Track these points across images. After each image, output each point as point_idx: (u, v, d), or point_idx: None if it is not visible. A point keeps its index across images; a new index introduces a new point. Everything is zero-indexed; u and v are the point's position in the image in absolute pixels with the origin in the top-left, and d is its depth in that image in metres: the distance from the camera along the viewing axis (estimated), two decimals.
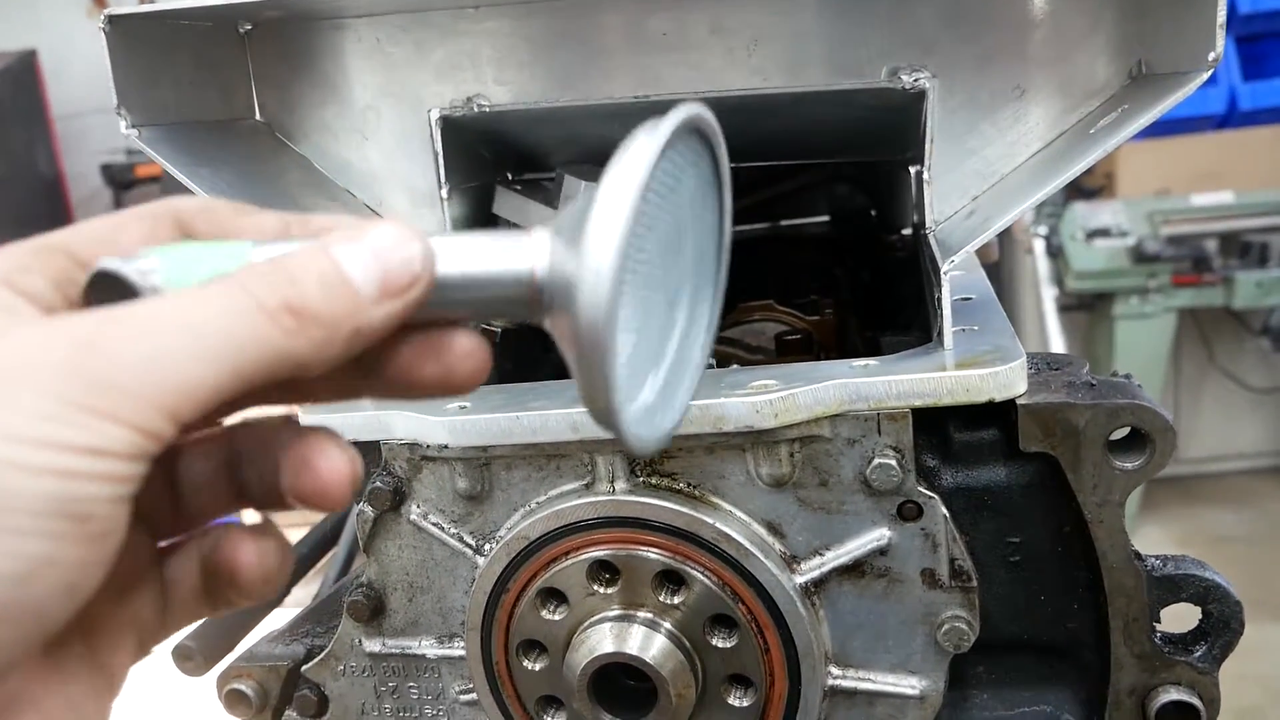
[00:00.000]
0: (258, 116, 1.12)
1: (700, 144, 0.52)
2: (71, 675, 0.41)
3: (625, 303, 0.45)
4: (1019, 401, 0.76)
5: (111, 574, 0.38)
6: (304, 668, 1.00)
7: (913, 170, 0.96)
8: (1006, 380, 0.75)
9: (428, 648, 0.94)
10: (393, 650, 0.95)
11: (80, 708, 0.41)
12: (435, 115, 1.02)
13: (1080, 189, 4.94)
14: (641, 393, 0.51)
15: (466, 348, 0.46)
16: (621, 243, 0.41)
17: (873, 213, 1.63)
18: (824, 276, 1.45)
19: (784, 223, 1.66)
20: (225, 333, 0.38)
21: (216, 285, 0.39)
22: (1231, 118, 4.80)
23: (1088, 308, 4.93)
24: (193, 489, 0.47)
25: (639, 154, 0.44)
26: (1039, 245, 4.81)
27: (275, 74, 1.08)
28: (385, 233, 0.43)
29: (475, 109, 1.03)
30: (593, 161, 1.16)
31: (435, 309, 0.45)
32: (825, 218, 1.66)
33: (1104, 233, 4.64)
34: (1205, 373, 5.18)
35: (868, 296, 1.40)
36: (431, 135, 1.02)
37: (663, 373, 0.54)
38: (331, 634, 0.98)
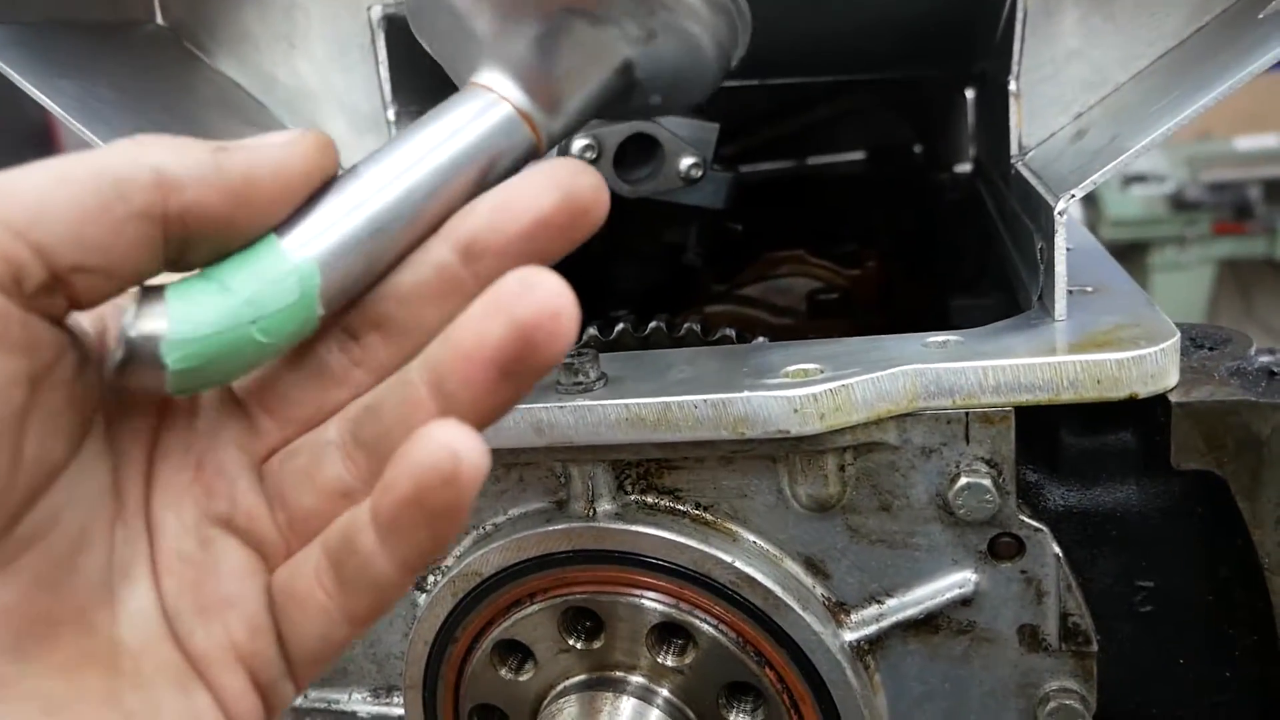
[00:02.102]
0: (159, 20, 0.88)
1: None
2: None
3: None
4: (1173, 399, 0.53)
5: None
6: None
7: (1004, 85, 0.72)
8: (1155, 368, 0.52)
9: (359, 704, 0.73)
10: (316, 705, 0.74)
11: None
12: (377, 13, 0.80)
13: None
14: None
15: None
16: None
17: (916, 149, 1.39)
18: (862, 222, 1.22)
19: (813, 160, 1.43)
20: (77, 158, 0.35)
21: None
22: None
23: (1122, 258, 4.68)
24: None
25: None
26: None
27: None
28: None
29: None
30: None
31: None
32: (861, 154, 1.42)
33: (1141, 179, 4.43)
34: (1244, 327, 4.87)
35: (914, 246, 1.16)
36: (374, 41, 0.80)
37: None
38: None
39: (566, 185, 0.37)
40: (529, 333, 0.35)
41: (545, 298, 0.35)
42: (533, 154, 0.43)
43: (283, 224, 0.38)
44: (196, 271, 0.38)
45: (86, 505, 0.37)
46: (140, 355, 0.36)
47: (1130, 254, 4.57)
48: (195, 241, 0.36)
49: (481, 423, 0.37)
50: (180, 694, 0.38)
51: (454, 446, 0.34)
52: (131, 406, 0.39)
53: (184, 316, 0.36)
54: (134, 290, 0.37)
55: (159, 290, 0.37)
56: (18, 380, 0.33)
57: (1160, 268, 4.45)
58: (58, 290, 0.34)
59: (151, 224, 0.35)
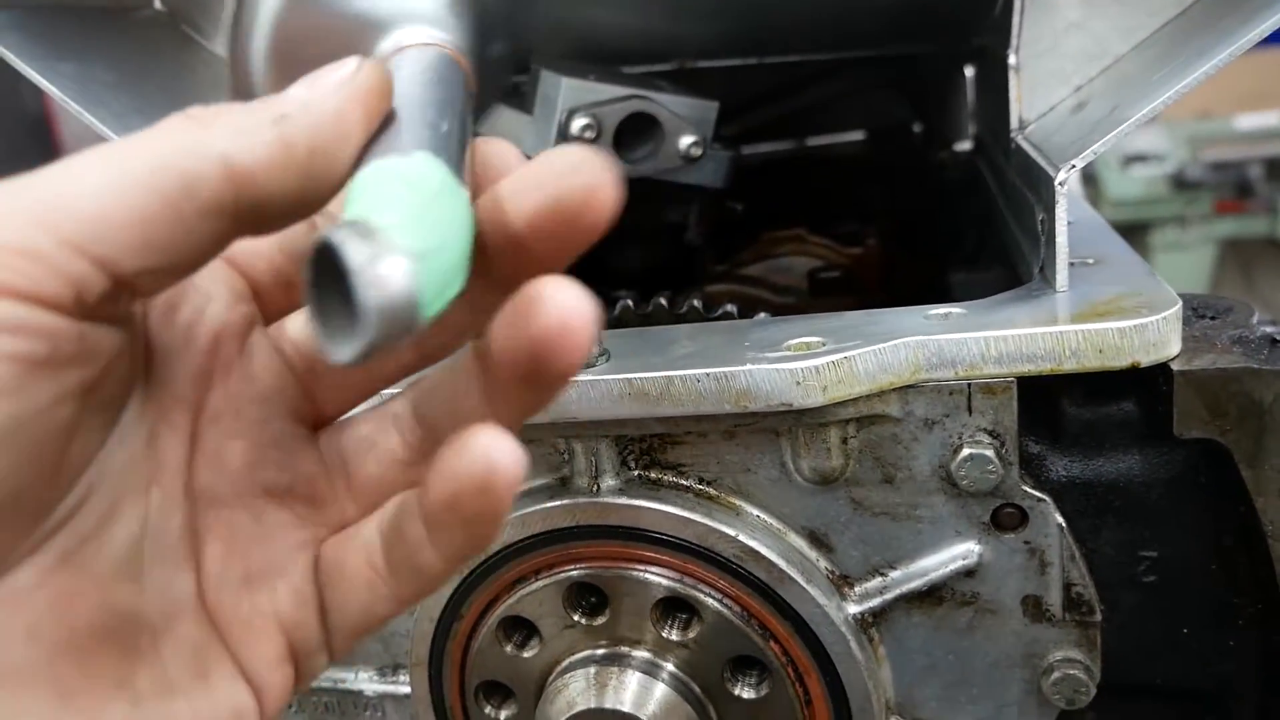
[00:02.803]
0: (156, 4, 0.88)
1: None
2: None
3: None
4: (1175, 367, 0.53)
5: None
6: None
7: (1004, 59, 0.72)
8: (1157, 336, 0.52)
9: (366, 682, 0.73)
10: (324, 684, 0.74)
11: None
12: None
13: None
14: None
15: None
16: None
17: (916, 127, 1.39)
18: (862, 202, 1.21)
19: (812, 141, 1.42)
20: (132, 150, 0.32)
21: None
22: None
23: (1123, 238, 4.68)
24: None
25: None
26: (1073, 172, 4.56)
27: None
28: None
29: None
30: (577, 55, 0.92)
31: None
32: (860, 134, 1.41)
33: (1141, 158, 4.41)
34: None
35: (915, 224, 1.16)
36: None
37: None
38: None
39: (552, 187, 0.36)
40: (542, 349, 0.34)
41: (559, 313, 0.34)
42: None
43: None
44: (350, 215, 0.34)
45: (119, 477, 0.36)
46: (396, 322, 0.31)
47: (1131, 234, 4.55)
48: (266, 222, 0.35)
49: (515, 423, 0.37)
50: (199, 672, 0.37)
51: (491, 456, 0.34)
52: (174, 369, 0.38)
53: (430, 265, 0.32)
54: (323, 241, 0.31)
55: (363, 234, 0.31)
56: (69, 397, 0.32)
57: (1161, 247, 4.43)
58: (121, 294, 0.33)
59: (221, 218, 0.33)
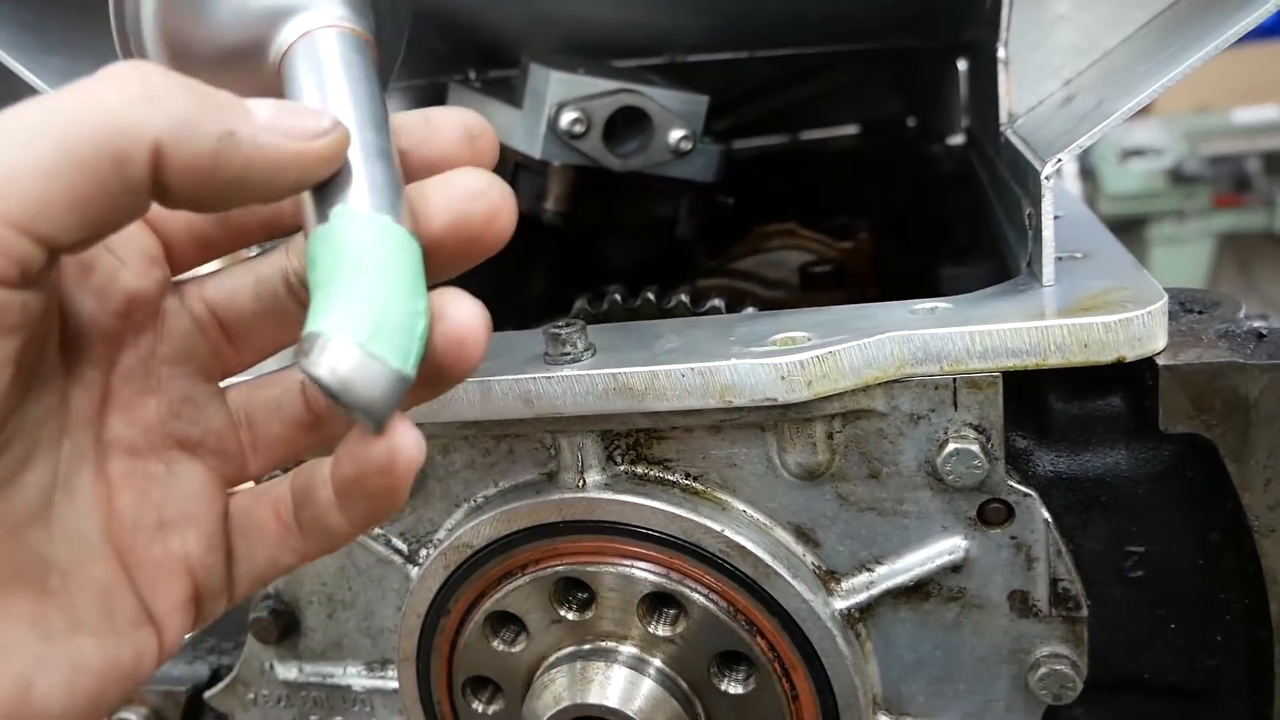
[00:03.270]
0: None
1: None
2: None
3: None
4: (1160, 361, 0.53)
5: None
6: (207, 694, 0.79)
7: (994, 53, 0.72)
8: (1143, 330, 0.52)
9: (354, 677, 0.73)
10: (312, 679, 0.74)
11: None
12: None
13: None
14: None
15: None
16: None
17: (910, 122, 1.38)
18: (854, 196, 1.21)
19: (806, 135, 1.42)
20: (53, 113, 0.33)
21: None
22: (1279, 26, 4.48)
23: (1121, 233, 4.66)
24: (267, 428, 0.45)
25: None
26: (1069, 168, 4.56)
27: None
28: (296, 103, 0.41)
29: None
30: (567, 49, 0.92)
31: None
32: (854, 128, 1.41)
33: (1139, 153, 4.41)
34: (1245, 300, 4.89)
35: (907, 219, 1.16)
36: None
37: None
38: (240, 651, 0.77)
39: (457, 210, 0.40)
40: (440, 359, 0.39)
41: (457, 328, 0.39)
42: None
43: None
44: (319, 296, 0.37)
45: (32, 430, 0.38)
46: (390, 396, 0.36)
47: (1129, 228, 4.55)
48: (190, 210, 0.37)
49: (409, 406, 0.41)
50: (104, 611, 0.39)
51: (393, 443, 0.38)
52: (86, 329, 0.40)
53: (388, 329, 0.36)
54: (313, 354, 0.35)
55: (325, 352, 0.36)
56: (8, 361, 0.34)
57: (1159, 242, 4.43)
58: (55, 262, 0.34)
59: (146, 195, 0.35)
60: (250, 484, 0.46)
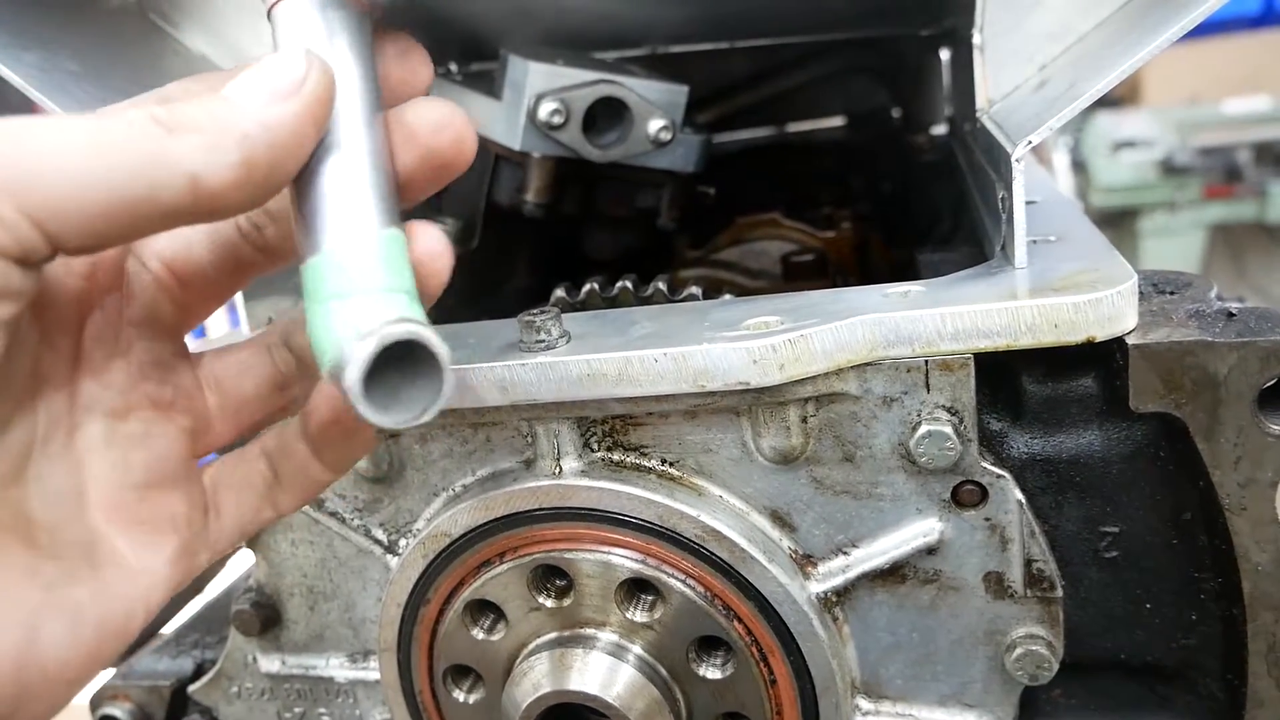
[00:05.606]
0: None
1: None
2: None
3: None
4: (1130, 341, 0.53)
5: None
6: (191, 688, 0.79)
7: (970, 40, 0.72)
8: (1112, 310, 0.52)
9: (337, 668, 0.73)
10: (295, 671, 0.74)
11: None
12: None
13: (1103, 98, 4.67)
14: None
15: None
16: None
17: (894, 112, 1.38)
18: (839, 187, 1.21)
19: (791, 127, 1.42)
20: (88, 136, 0.35)
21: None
22: (1268, 17, 4.49)
23: (1112, 224, 4.68)
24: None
25: None
26: (1061, 160, 4.57)
27: None
28: (268, 55, 0.40)
29: None
30: (548, 41, 0.92)
31: None
32: (839, 120, 1.41)
33: (1130, 144, 4.42)
34: (1236, 290, 4.88)
35: (892, 209, 1.16)
36: None
37: None
38: (224, 645, 0.77)
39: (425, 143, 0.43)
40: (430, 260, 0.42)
41: (426, 245, 0.42)
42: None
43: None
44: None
45: (8, 395, 0.39)
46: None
47: (1121, 220, 4.56)
48: (209, 221, 0.39)
49: None
50: (92, 566, 0.40)
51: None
52: (54, 295, 0.41)
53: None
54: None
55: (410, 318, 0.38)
56: (3, 329, 0.36)
57: (1151, 233, 4.43)
58: (55, 256, 0.36)
59: (176, 220, 0.37)
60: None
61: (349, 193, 0.40)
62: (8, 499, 0.39)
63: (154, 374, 0.44)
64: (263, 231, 0.46)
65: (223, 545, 0.46)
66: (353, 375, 0.36)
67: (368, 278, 0.39)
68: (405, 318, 0.38)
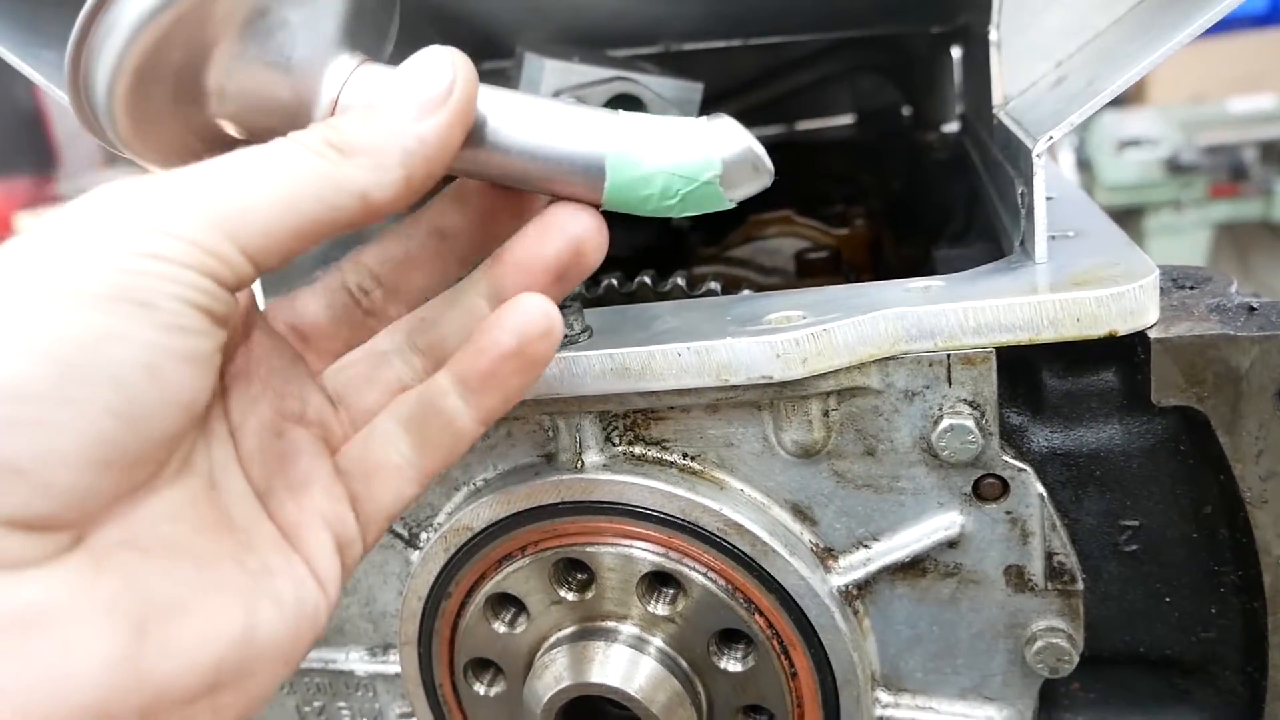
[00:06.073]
0: None
1: None
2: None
3: None
4: (1152, 335, 0.53)
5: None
6: None
7: (986, 36, 0.72)
8: (1134, 304, 0.53)
9: (357, 662, 0.74)
10: (314, 664, 0.74)
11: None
12: None
13: None
14: None
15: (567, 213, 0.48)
16: None
17: (905, 110, 1.39)
18: (850, 184, 1.22)
19: (801, 125, 1.42)
20: (276, 168, 0.40)
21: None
22: (1274, 15, 4.48)
23: (1117, 223, 4.67)
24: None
25: None
26: (1066, 159, 4.56)
27: None
28: (413, 59, 0.44)
29: None
30: (562, 40, 0.92)
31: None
32: (849, 118, 1.41)
33: (1135, 143, 4.41)
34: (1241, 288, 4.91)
35: (903, 206, 1.16)
36: None
37: None
38: None
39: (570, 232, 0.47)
40: (580, 244, 0.47)
41: (589, 220, 0.47)
42: None
43: None
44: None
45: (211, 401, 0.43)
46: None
47: (1126, 219, 4.55)
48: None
49: None
50: (284, 559, 0.44)
51: (547, 308, 0.45)
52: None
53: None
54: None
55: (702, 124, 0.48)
56: (218, 350, 0.40)
57: (1156, 232, 4.43)
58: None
59: (345, 229, 0.41)
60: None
61: (564, 124, 0.46)
62: (214, 500, 0.42)
63: (288, 392, 0.48)
64: (370, 295, 0.50)
65: (374, 533, 0.49)
66: (735, 147, 0.48)
67: (655, 129, 0.46)
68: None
